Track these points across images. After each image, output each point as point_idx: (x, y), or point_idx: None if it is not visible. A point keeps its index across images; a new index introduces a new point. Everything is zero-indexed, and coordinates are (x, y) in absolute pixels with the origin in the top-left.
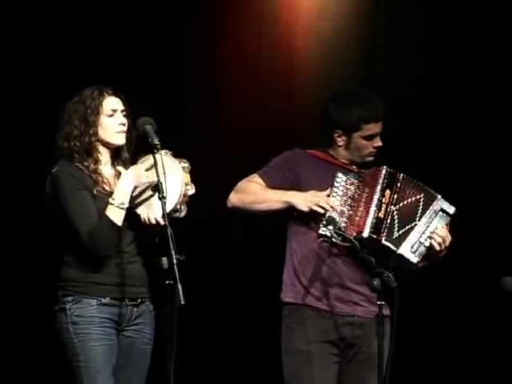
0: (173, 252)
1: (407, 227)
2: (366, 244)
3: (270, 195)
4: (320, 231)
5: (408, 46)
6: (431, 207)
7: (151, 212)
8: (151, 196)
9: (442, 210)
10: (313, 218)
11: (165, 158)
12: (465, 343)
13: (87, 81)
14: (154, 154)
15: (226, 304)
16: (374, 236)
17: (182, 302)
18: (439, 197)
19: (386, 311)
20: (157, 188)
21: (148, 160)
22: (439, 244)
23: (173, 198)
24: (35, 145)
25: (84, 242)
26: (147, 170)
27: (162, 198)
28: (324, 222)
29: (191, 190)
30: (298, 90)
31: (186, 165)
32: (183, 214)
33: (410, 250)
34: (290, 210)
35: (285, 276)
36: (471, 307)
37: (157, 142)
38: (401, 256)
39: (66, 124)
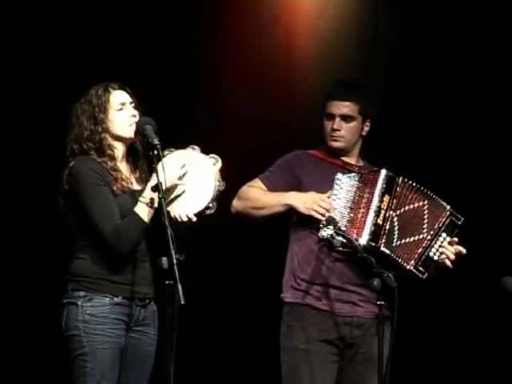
0: (173, 252)
1: (413, 239)
2: (365, 250)
3: (270, 199)
4: (320, 233)
5: (408, 45)
6: (440, 219)
7: (182, 208)
8: (180, 192)
9: (451, 221)
10: (313, 220)
11: (195, 154)
12: (465, 343)
13: (87, 81)
14: (153, 154)
15: (225, 304)
16: (373, 244)
17: (182, 302)
18: (448, 208)
19: (386, 312)
20: (157, 188)
21: (172, 154)
22: (451, 260)
23: (206, 195)
24: (49, 140)
25: (108, 240)
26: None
27: (161, 199)
28: (324, 223)
29: (221, 187)
30: (298, 90)
31: (217, 161)
32: (213, 210)
33: (418, 264)
34: (291, 213)
35: (285, 277)
36: (471, 307)
37: (157, 143)
38: (411, 272)
39: (76, 126)
